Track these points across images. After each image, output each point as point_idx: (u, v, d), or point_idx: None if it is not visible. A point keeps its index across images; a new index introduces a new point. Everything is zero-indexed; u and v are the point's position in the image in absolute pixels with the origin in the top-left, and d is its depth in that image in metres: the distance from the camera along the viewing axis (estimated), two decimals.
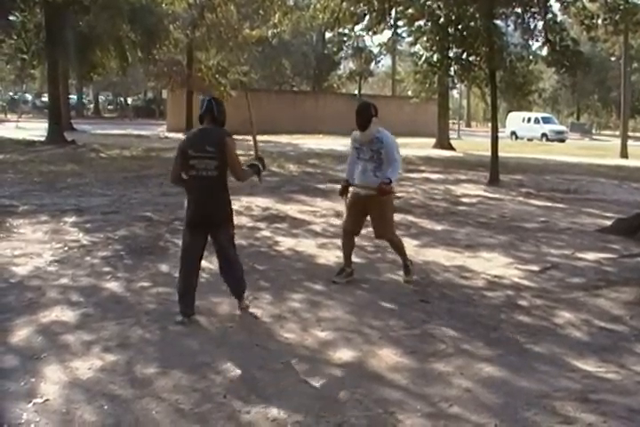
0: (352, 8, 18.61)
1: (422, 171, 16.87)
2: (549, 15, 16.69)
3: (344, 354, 4.37)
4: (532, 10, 16.26)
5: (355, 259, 6.97)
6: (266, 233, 8.18)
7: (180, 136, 29.31)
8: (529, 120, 42.72)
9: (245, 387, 3.84)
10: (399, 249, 6.20)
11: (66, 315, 4.93)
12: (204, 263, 6.53)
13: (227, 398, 3.69)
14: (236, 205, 9.82)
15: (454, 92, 47.59)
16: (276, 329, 4.82)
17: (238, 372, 4.05)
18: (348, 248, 6.17)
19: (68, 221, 8.40)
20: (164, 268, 6.37)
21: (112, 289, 5.62)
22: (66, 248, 6.93)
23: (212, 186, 4.72)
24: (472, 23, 16.00)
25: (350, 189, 6.10)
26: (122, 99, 60.33)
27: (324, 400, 3.68)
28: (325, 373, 4.08)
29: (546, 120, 43.03)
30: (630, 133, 37.49)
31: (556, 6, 18.34)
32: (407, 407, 3.63)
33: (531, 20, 16.52)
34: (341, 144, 25.93)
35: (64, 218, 8.55)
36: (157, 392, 3.71)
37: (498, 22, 16.76)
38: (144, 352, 4.27)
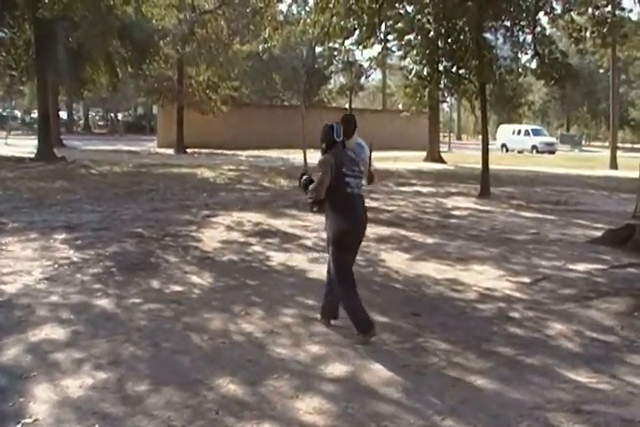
0: (342, 22, 18.73)
1: (413, 184, 16.94)
2: (538, 28, 16.88)
3: (336, 369, 4.35)
4: (521, 23, 16.43)
5: None
6: (257, 248, 8.17)
7: (171, 152, 29.66)
8: (519, 132, 43.01)
9: (238, 403, 3.81)
10: None
11: (56, 333, 4.89)
12: (194, 279, 6.63)
13: (219, 414, 3.66)
14: (227, 221, 9.98)
15: (445, 106, 47.90)
16: (268, 344, 4.80)
17: (231, 388, 4.03)
18: None
19: (58, 237, 8.36)
20: (155, 284, 6.34)
21: (103, 306, 5.58)
22: (56, 265, 6.89)
23: (363, 202, 5.05)
24: (461, 37, 16.16)
25: None
26: (112, 114, 60.35)
27: (317, 415, 3.67)
28: (318, 388, 4.06)
29: (536, 132, 43.34)
30: (619, 144, 37.84)
31: (544, 19, 18.51)
32: (400, 421, 3.62)
33: (520, 33, 16.67)
34: None
35: (54, 235, 8.50)
36: (149, 410, 3.68)
37: (487, 35, 16.94)
38: (135, 369, 4.24)
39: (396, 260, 7.55)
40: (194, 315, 5.43)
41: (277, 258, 7.55)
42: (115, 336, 4.81)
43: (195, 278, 6.63)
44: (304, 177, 5.14)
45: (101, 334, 4.86)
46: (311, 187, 4.94)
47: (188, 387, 3.99)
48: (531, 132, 42.92)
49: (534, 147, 41.23)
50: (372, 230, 9.47)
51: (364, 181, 5.18)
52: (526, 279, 6.84)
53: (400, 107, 28.81)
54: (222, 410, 3.71)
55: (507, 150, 42.09)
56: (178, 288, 6.23)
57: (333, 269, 4.94)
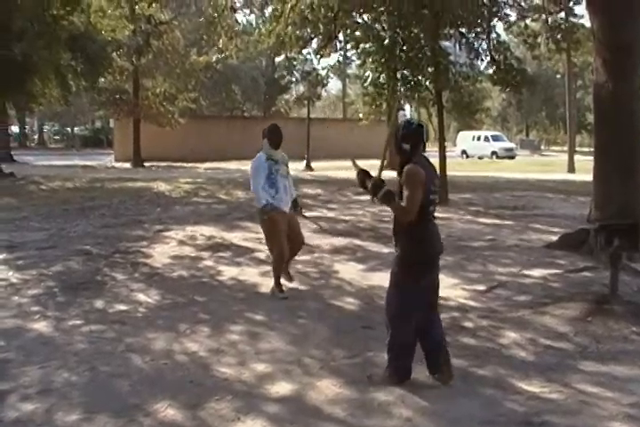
0: (297, 32, 18.66)
1: (371, 197, 16.82)
2: (493, 35, 17.04)
3: (282, 388, 4.18)
4: (477, 30, 16.54)
5: (298, 285, 6.86)
6: (209, 263, 7.96)
7: (128, 166, 29.19)
8: (479, 138, 43.47)
9: None
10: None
11: None
12: (141, 297, 6.39)
13: None
14: (179, 235, 9.73)
15: (404, 113, 48.14)
16: (212, 364, 4.61)
17: (169, 412, 3.82)
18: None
19: None
20: (98, 304, 6.08)
21: (39, 330, 5.31)
22: None
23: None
24: (417, 44, 16.21)
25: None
26: (68, 129, 59.25)
27: None
28: (261, 409, 3.87)
29: (495, 138, 43.85)
30: (577, 148, 38.45)
31: (499, 26, 18.81)
32: None
33: (475, 39, 16.78)
34: (291, 169, 25.86)
35: None
36: None
37: (443, 42, 17.02)
38: (68, 398, 4.00)
39: (349, 271, 7.40)
40: (137, 335, 5.21)
41: (228, 272, 7.35)
42: (49, 362, 4.55)
43: (141, 296, 6.39)
44: (384, 189, 4.02)
45: (34, 360, 4.59)
46: (403, 205, 3.98)
47: (124, 413, 3.78)
48: (490, 138, 43.40)
49: (494, 153, 41.68)
50: (326, 241, 9.40)
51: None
52: (481, 287, 6.75)
53: (360, 115, 28.75)
54: None
55: (467, 157, 42.47)
56: (123, 307, 6.00)
57: (394, 300, 4.19)
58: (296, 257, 8.23)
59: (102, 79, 26.32)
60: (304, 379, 4.32)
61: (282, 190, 6.31)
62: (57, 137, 60.91)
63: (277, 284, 6.40)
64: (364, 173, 4.19)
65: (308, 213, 12.07)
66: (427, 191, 3.99)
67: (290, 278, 6.67)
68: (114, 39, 24.32)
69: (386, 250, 8.80)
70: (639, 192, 8.57)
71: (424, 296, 4.16)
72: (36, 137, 59.90)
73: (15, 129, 50.37)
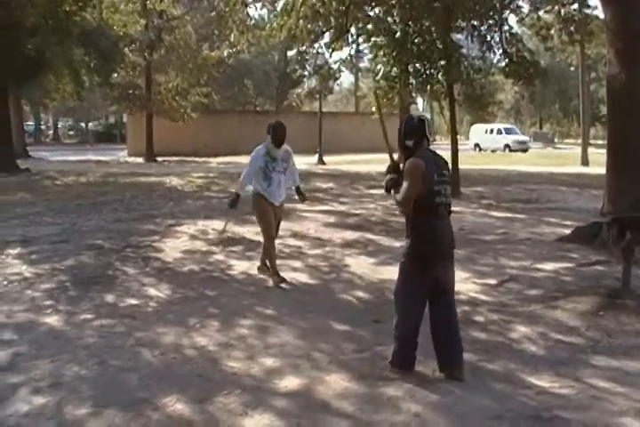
0: (309, 25, 18.60)
1: (383, 186, 16.78)
2: (506, 27, 16.86)
3: (290, 382, 4.17)
4: (489, 22, 16.39)
5: (309, 280, 6.87)
6: (220, 257, 7.98)
7: (141, 160, 29.27)
8: (492, 131, 43.13)
9: (183, 424, 3.63)
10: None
11: None
12: (151, 291, 6.41)
13: None
14: (191, 230, 9.75)
15: (418, 107, 47.99)
16: (222, 358, 4.61)
17: (177, 407, 3.83)
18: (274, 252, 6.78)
19: (12, 252, 8.05)
20: (109, 298, 6.11)
21: (51, 324, 5.34)
22: (5, 282, 6.60)
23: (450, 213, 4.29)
24: (429, 37, 16.10)
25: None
26: (82, 124, 59.50)
27: None
28: (269, 403, 3.88)
29: (508, 131, 43.49)
30: (591, 141, 38.10)
31: (512, 18, 18.63)
32: None
33: (487, 32, 16.64)
34: (303, 163, 25.81)
35: (7, 250, 8.18)
36: None
37: (455, 35, 16.90)
38: (78, 391, 4.02)
39: (360, 265, 7.39)
40: (147, 329, 5.23)
41: (239, 267, 7.36)
42: (59, 356, 4.58)
43: (152, 291, 6.42)
44: (388, 176, 4.28)
45: (45, 354, 4.62)
46: (397, 197, 4.13)
47: (133, 407, 3.79)
48: (503, 130, 43.06)
49: (507, 146, 41.36)
50: (338, 235, 9.39)
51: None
52: (492, 281, 6.72)
53: (373, 109, 28.66)
54: None
55: (480, 150, 42.19)
56: (133, 302, 6.02)
57: (399, 291, 4.28)
58: (308, 251, 8.30)
59: (115, 74, 26.40)
60: (313, 373, 4.31)
61: (274, 184, 6.52)
62: (71, 132, 61.20)
63: (269, 269, 6.66)
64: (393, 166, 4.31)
65: (319, 208, 12.08)
66: (429, 182, 4.03)
67: (278, 276, 6.63)
68: (126, 34, 24.38)
69: (397, 244, 8.76)
70: None
71: (429, 289, 4.17)
72: (50, 132, 60.18)
73: (30, 125, 50.61)
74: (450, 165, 4.73)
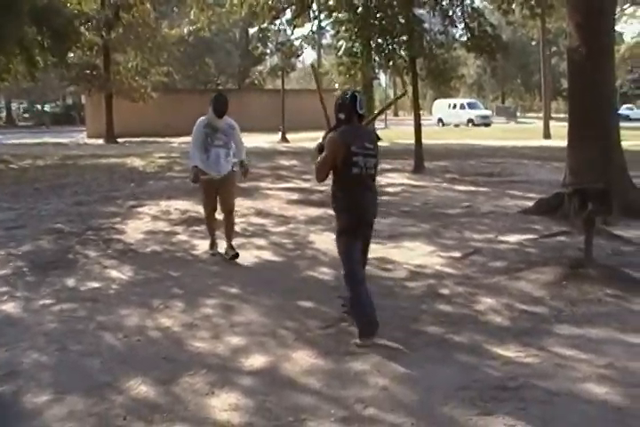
0: (270, 2, 18.31)
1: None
2: (467, 1, 16.83)
3: (256, 360, 4.13)
4: None
5: (273, 257, 6.82)
6: (183, 237, 7.86)
7: (101, 142, 28.65)
8: (455, 106, 43.33)
9: (148, 406, 3.55)
10: (233, 225, 6.89)
11: None
12: (113, 274, 6.28)
13: (127, 420, 3.41)
14: (153, 210, 9.59)
15: (381, 82, 47.90)
16: (186, 339, 4.54)
17: (142, 389, 3.76)
18: (214, 225, 6.95)
19: None
20: (70, 282, 5.97)
21: (7, 311, 5.18)
22: None
23: (373, 184, 4.58)
24: (390, 11, 15.96)
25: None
26: (38, 106, 57.79)
27: (232, 412, 3.44)
28: (235, 382, 3.83)
29: (471, 106, 43.72)
30: (553, 115, 38.53)
31: None
32: (320, 413, 3.42)
33: (449, 6, 16.57)
34: (266, 141, 25.64)
35: None
36: (48, 423, 3.38)
37: (418, 10, 16.78)
38: (37, 379, 3.91)
39: (324, 241, 7.32)
40: (110, 312, 5.12)
41: (203, 246, 7.25)
42: (17, 344, 4.45)
43: (114, 273, 6.29)
44: (318, 142, 4.71)
45: (1, 342, 4.48)
46: (314, 167, 4.57)
47: (95, 392, 3.71)
48: (466, 105, 43.28)
49: (470, 120, 41.61)
50: (302, 212, 9.35)
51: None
52: (457, 254, 6.75)
53: (336, 86, 28.44)
54: (130, 415, 3.45)
55: (443, 125, 42.37)
56: (95, 285, 5.90)
57: (341, 258, 4.52)
58: (272, 228, 8.22)
59: (71, 54, 25.70)
60: (279, 351, 4.27)
61: (212, 157, 6.54)
62: (26, 115, 59.37)
63: (233, 248, 6.73)
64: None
65: (283, 185, 12.00)
66: (347, 154, 4.30)
67: (232, 251, 6.68)
68: (81, 12, 23.65)
69: None
70: (612, 156, 8.58)
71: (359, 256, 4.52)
72: (3, 115, 58.21)
73: None
74: (382, 140, 5.11)
